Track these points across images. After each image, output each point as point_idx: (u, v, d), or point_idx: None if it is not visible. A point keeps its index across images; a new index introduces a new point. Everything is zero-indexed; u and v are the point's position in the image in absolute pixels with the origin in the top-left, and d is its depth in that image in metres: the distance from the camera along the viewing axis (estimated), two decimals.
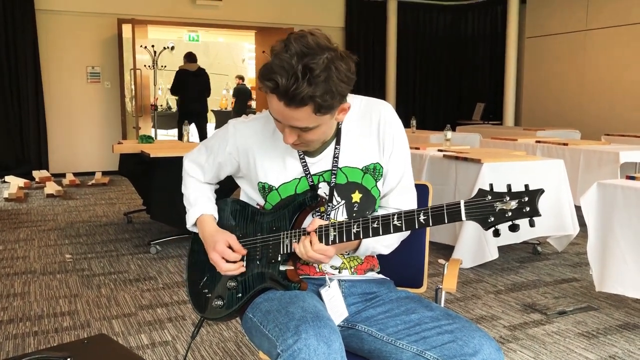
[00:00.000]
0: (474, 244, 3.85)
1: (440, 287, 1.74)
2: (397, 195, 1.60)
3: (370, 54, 10.43)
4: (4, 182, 7.73)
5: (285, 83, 1.28)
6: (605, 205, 3.02)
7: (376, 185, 1.57)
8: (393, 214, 1.36)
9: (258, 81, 1.35)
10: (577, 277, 3.85)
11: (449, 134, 5.16)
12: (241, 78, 14.25)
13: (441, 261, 1.91)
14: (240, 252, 1.54)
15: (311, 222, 1.45)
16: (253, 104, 13.88)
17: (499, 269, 4.00)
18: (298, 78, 1.27)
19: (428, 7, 10.84)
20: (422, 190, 1.80)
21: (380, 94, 10.47)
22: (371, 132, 1.56)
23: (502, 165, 3.97)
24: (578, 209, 3.47)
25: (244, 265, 1.55)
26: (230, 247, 1.55)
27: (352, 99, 1.57)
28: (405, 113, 10.09)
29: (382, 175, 1.57)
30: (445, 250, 4.09)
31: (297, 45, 1.30)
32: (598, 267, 3.08)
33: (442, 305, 1.71)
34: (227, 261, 1.54)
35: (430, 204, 1.84)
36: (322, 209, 1.54)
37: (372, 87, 10.45)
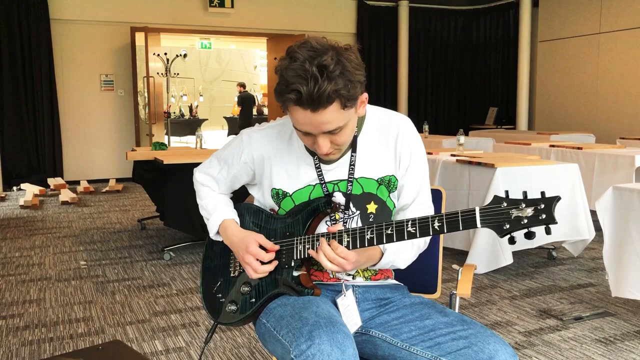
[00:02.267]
0: (488, 249, 3.82)
1: (455, 292, 1.73)
2: (414, 211, 1.58)
3: (381, 60, 10.42)
4: (20, 189, 7.81)
5: (307, 88, 1.29)
6: (621, 209, 2.99)
7: (389, 196, 1.56)
8: (407, 220, 1.35)
9: (277, 99, 1.35)
10: (593, 282, 3.81)
11: (462, 138, 5.13)
12: (242, 85, 14.36)
13: (455, 267, 1.89)
14: (273, 249, 1.52)
15: (329, 227, 1.45)
16: (265, 110, 13.93)
17: (514, 274, 3.96)
18: (317, 78, 1.28)
19: (439, 12, 10.81)
20: (435, 195, 1.79)
21: (392, 99, 10.46)
22: (388, 145, 1.56)
23: (516, 170, 3.94)
24: (593, 213, 3.44)
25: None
26: (262, 247, 1.52)
27: (372, 110, 1.57)
28: (417, 118, 10.08)
29: (396, 187, 1.57)
30: (459, 256, 4.07)
31: (303, 51, 1.31)
32: (614, 272, 3.04)
33: (457, 311, 1.69)
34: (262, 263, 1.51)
35: (443, 209, 1.83)
36: (337, 215, 1.53)
37: (384, 93, 10.43)
